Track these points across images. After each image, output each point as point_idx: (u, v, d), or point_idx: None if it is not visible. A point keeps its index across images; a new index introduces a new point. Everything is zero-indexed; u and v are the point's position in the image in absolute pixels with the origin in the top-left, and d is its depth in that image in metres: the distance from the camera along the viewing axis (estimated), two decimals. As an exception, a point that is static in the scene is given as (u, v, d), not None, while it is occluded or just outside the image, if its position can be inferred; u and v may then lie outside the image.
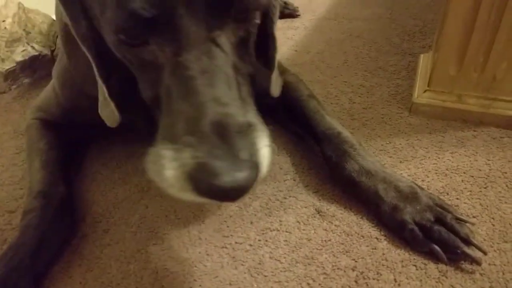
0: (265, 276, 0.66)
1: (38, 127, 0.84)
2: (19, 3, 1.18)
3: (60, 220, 0.71)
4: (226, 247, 0.71)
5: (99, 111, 0.59)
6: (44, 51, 1.20)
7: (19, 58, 1.14)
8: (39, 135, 0.82)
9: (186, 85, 0.40)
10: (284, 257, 0.69)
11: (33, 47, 1.17)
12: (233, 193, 0.38)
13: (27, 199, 0.74)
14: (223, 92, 0.41)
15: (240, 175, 0.37)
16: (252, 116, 0.41)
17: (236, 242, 0.72)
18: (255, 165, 0.39)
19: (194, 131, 0.39)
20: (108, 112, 0.56)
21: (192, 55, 0.40)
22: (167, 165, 0.39)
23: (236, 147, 0.38)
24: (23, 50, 1.15)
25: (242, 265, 0.68)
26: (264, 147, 0.40)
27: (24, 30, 1.17)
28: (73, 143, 0.86)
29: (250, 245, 0.71)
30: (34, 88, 1.16)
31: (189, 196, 0.40)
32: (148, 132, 0.48)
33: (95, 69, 0.49)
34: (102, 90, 0.55)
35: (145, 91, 0.47)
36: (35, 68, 1.18)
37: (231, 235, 0.73)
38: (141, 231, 0.75)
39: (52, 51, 1.22)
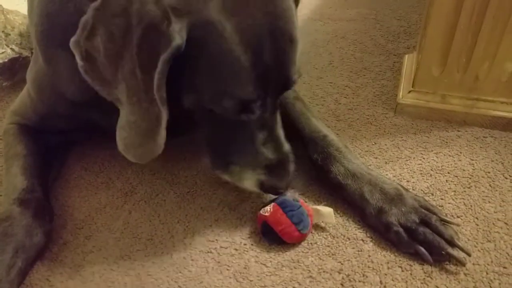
0: (251, 280, 0.66)
1: (15, 132, 0.82)
2: (-2, 4, 1.16)
3: (38, 227, 0.69)
4: (211, 252, 0.70)
5: (124, 149, 0.61)
6: (24, 53, 1.17)
7: (-2, 60, 1.11)
8: (16, 140, 0.80)
9: (271, 134, 0.66)
10: (270, 261, 0.68)
11: (12, 49, 1.14)
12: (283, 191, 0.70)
13: (4, 205, 0.71)
14: (283, 135, 0.68)
15: (288, 187, 0.70)
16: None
17: (221, 247, 0.71)
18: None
19: (269, 159, 0.66)
20: (148, 147, 0.59)
21: (272, 118, 0.65)
22: (247, 177, 0.68)
23: (289, 172, 0.68)
24: (2, 52, 1.12)
25: (228, 269, 0.68)
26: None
27: (3, 31, 1.14)
28: (52, 148, 0.84)
29: (236, 249, 0.70)
30: (14, 91, 1.13)
31: (254, 190, 0.69)
32: None
33: (163, 123, 0.56)
34: (151, 131, 0.58)
35: (208, 133, 0.69)
36: (15, 71, 1.15)
37: (216, 240, 0.72)
38: (124, 237, 0.74)
39: (33, 53, 1.19)
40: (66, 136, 0.86)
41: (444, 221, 0.67)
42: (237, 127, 0.64)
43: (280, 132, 0.68)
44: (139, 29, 0.52)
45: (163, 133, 0.57)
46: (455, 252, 0.64)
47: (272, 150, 0.66)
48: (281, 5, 0.58)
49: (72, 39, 0.56)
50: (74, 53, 0.57)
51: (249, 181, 0.68)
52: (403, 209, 0.68)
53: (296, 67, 0.62)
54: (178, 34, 0.52)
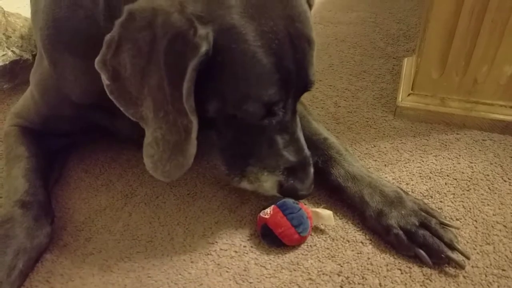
0: (250, 282, 0.66)
1: (16, 134, 0.82)
2: (-1, 7, 1.16)
3: (39, 229, 0.69)
4: (211, 254, 0.71)
5: (152, 167, 0.61)
6: (25, 55, 1.17)
7: (-1, 63, 1.11)
8: (18, 142, 0.80)
9: (292, 137, 0.66)
10: (270, 263, 0.68)
11: (13, 52, 1.14)
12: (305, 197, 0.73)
13: (5, 208, 0.71)
14: (304, 139, 0.69)
15: (310, 190, 0.70)
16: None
17: (221, 249, 0.71)
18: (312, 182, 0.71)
19: (290, 162, 0.67)
20: (178, 161, 0.59)
21: (292, 120, 0.66)
22: (266, 179, 0.68)
23: (310, 175, 0.69)
24: (3, 55, 1.12)
25: (227, 272, 0.68)
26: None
27: (4, 34, 1.15)
28: (53, 150, 0.84)
29: (235, 251, 0.71)
30: (15, 94, 1.13)
31: (273, 193, 0.70)
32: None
33: (194, 133, 0.57)
34: (180, 144, 0.58)
35: (227, 139, 0.67)
36: (16, 73, 1.15)
37: (216, 242, 0.72)
38: (124, 239, 0.74)
39: (34, 56, 1.20)
40: (68, 138, 0.86)
41: (443, 224, 0.67)
42: (258, 132, 0.64)
43: (301, 135, 0.68)
44: (165, 40, 0.53)
45: (194, 143, 0.58)
46: (454, 255, 0.64)
47: (293, 153, 0.67)
48: (297, 8, 0.59)
49: (97, 59, 0.57)
50: (100, 73, 0.57)
51: (268, 183, 0.68)
52: (403, 212, 0.68)
53: (314, 68, 0.63)
54: (205, 40, 0.52)
